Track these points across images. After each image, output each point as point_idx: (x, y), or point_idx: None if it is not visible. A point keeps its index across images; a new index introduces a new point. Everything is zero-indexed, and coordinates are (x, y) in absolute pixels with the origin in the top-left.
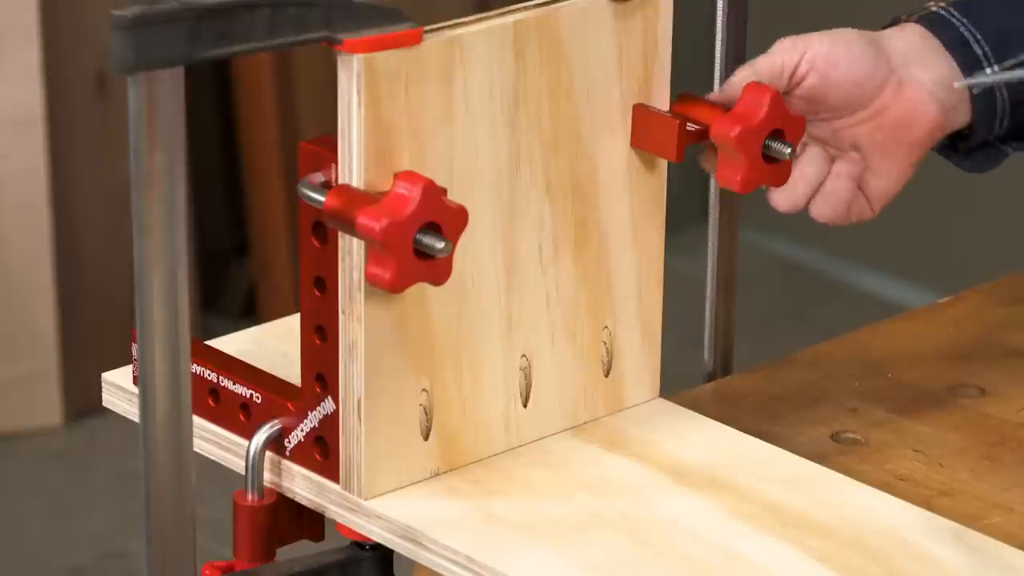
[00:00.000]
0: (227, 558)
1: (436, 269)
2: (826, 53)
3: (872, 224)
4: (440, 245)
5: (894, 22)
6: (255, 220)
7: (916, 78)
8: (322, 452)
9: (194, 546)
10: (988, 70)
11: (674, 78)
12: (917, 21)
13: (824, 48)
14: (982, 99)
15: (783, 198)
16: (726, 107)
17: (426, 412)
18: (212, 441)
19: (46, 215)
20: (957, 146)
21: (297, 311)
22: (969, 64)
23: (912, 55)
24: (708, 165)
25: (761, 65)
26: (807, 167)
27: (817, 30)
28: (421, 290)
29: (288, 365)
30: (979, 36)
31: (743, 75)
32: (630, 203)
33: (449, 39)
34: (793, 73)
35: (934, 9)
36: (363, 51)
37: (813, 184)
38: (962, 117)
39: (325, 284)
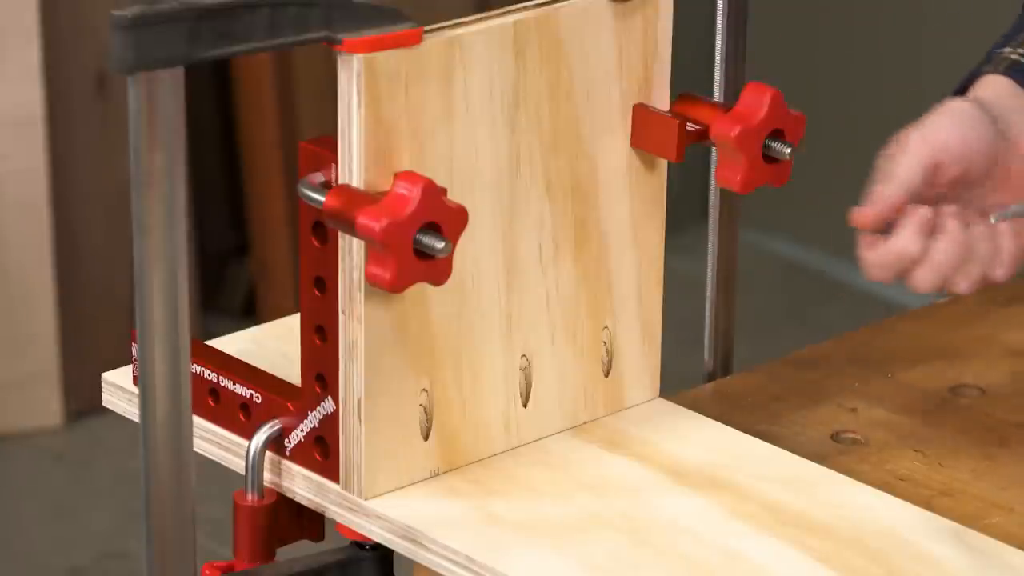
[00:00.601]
0: (227, 558)
1: (436, 269)
2: (958, 138)
3: None
4: (440, 245)
5: (976, 74)
6: (255, 220)
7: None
8: (322, 452)
9: (194, 546)
10: None
11: (674, 78)
12: (1003, 73)
13: (955, 134)
14: None
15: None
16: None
17: (426, 412)
18: (212, 441)
19: (46, 215)
20: None
21: (297, 311)
22: None
23: (1011, 112)
24: None
25: (901, 174)
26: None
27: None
28: (421, 290)
29: (288, 365)
30: None
31: (890, 192)
32: (630, 203)
33: (449, 39)
34: (935, 171)
35: (1015, 57)
36: (363, 51)
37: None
38: None
39: (325, 284)
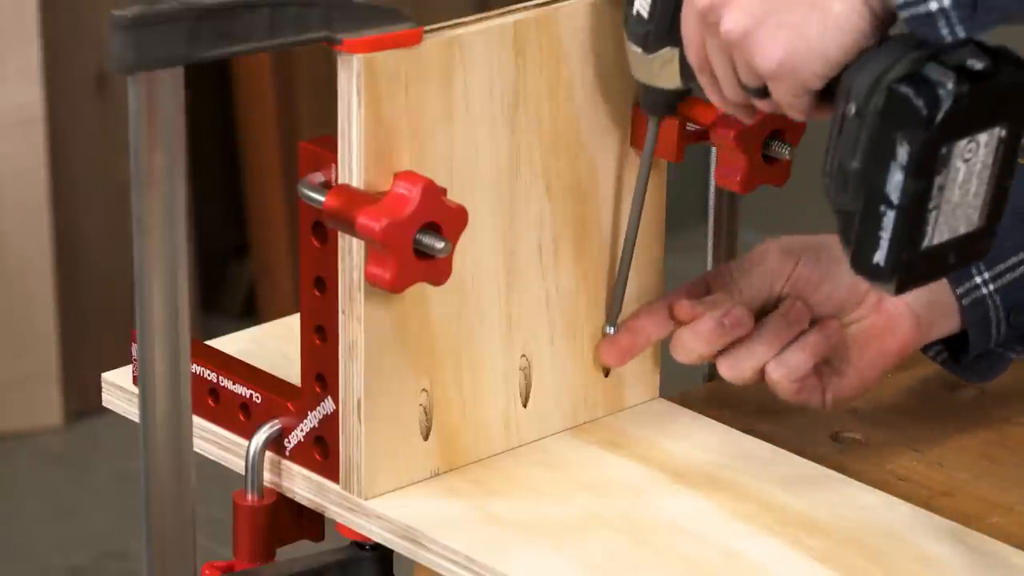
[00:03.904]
0: (227, 558)
1: (436, 269)
2: (807, 276)
3: None
4: (440, 245)
5: None
6: (255, 220)
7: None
8: (322, 452)
9: (194, 546)
10: (978, 278)
11: None
12: None
13: (806, 271)
14: (973, 310)
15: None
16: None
17: (426, 412)
18: (212, 441)
19: (46, 215)
20: (959, 357)
21: (297, 311)
22: (959, 274)
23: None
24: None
25: (745, 286)
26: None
27: None
28: (421, 290)
29: (288, 365)
30: None
31: (719, 299)
32: (630, 203)
33: (449, 39)
34: (777, 294)
35: None
36: (363, 51)
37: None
38: (946, 328)
39: (325, 284)
